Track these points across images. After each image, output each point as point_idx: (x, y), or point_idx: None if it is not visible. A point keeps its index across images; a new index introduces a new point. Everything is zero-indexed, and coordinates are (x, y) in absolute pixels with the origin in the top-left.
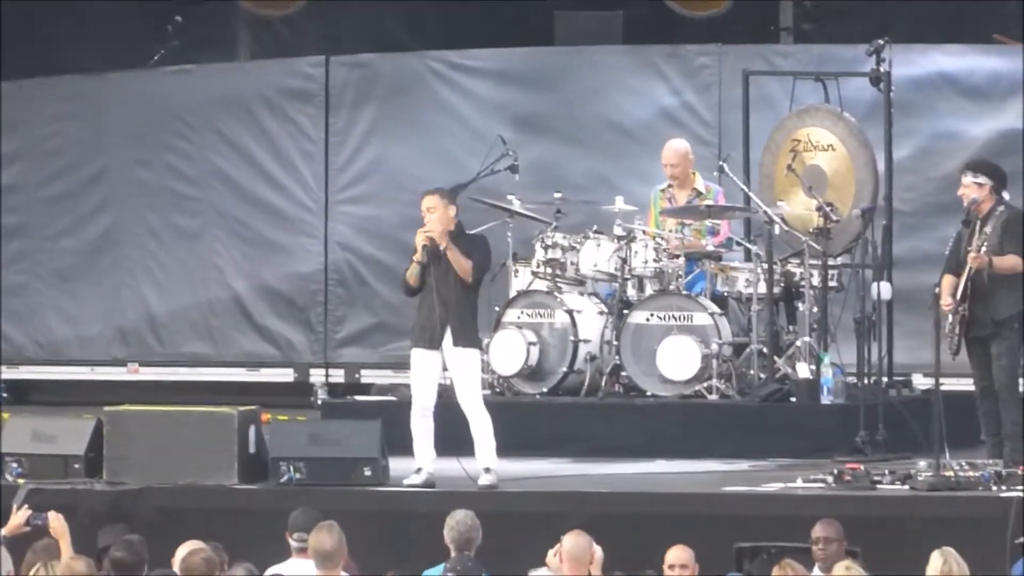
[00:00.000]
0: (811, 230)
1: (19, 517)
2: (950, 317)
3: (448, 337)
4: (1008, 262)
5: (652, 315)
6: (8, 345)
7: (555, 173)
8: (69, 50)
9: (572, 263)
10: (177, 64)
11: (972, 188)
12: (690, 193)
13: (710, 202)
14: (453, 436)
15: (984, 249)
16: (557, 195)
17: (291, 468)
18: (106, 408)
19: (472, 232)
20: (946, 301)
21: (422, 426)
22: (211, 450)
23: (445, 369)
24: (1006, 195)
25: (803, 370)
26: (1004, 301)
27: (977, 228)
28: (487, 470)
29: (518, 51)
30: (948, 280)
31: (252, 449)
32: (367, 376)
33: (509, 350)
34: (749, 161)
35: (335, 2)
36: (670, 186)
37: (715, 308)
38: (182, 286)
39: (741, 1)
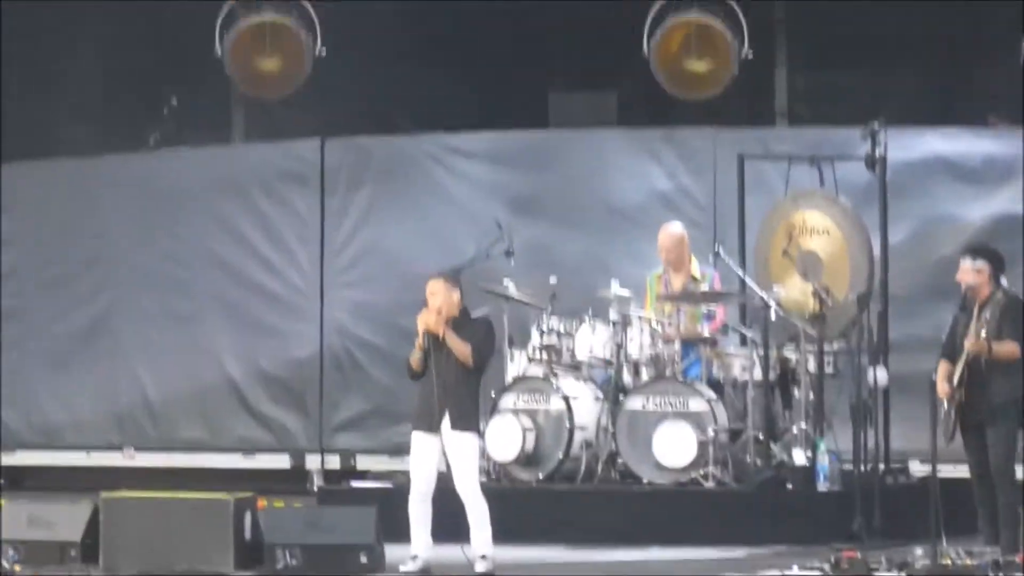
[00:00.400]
0: (807, 315)
1: None
2: (946, 403)
3: (446, 421)
4: (1006, 348)
5: (648, 401)
6: (3, 430)
7: (550, 255)
8: (65, 132)
9: (568, 348)
10: (173, 146)
11: (970, 273)
12: (686, 278)
13: (706, 287)
14: (450, 523)
15: (983, 334)
16: (552, 280)
17: (287, 554)
18: (103, 494)
19: (476, 316)
20: (942, 388)
21: (420, 511)
22: (207, 536)
23: (443, 455)
24: (1004, 280)
25: (799, 456)
26: (1001, 387)
27: (975, 313)
28: (483, 557)
29: (512, 133)
30: (944, 366)
31: (248, 535)
32: (363, 462)
33: (505, 436)
34: (744, 245)
35: (330, 85)
36: (666, 271)
37: (711, 394)
38: (177, 370)
39: (735, 84)
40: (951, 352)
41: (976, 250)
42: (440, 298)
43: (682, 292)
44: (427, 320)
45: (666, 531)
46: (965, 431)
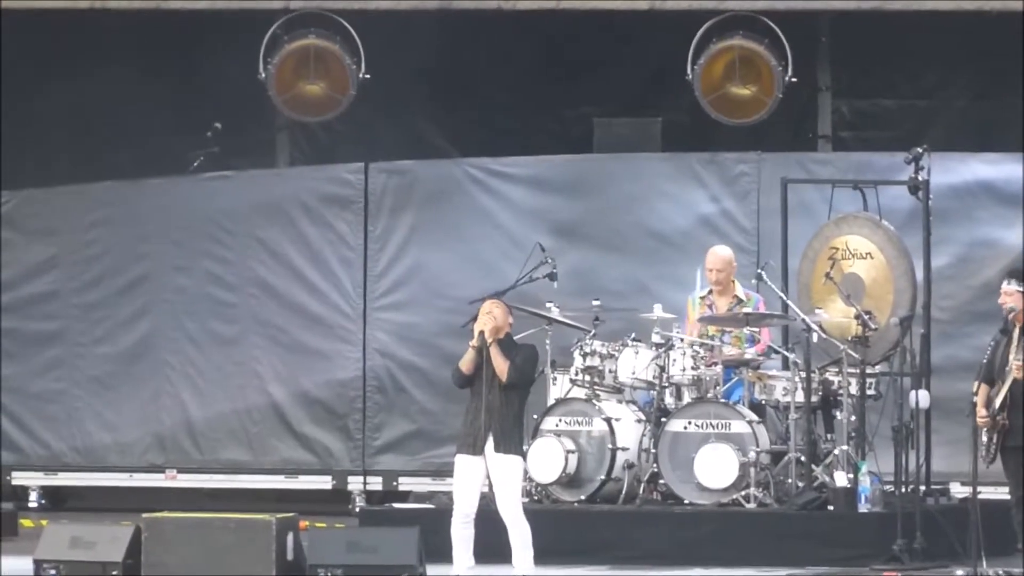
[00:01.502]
0: (849, 338)
1: None
2: (985, 428)
3: (490, 443)
4: None
5: (690, 423)
6: (47, 452)
7: (593, 280)
8: (109, 156)
9: (610, 371)
10: (216, 170)
11: (1014, 296)
12: (731, 300)
13: (750, 310)
14: (493, 543)
15: None
16: (595, 303)
17: None
18: (144, 515)
19: (523, 343)
20: (981, 414)
21: (462, 533)
22: (249, 557)
23: (487, 477)
24: None
25: (840, 478)
26: None
27: (1016, 337)
28: None
29: (556, 158)
30: (984, 389)
31: (290, 556)
32: (405, 483)
33: (547, 458)
34: (787, 269)
35: (373, 109)
36: (710, 292)
37: (753, 416)
38: (220, 393)
39: (779, 109)
40: (990, 375)
41: (1018, 273)
42: (497, 314)
43: (725, 315)
44: (485, 325)
45: (708, 552)
46: (1004, 454)
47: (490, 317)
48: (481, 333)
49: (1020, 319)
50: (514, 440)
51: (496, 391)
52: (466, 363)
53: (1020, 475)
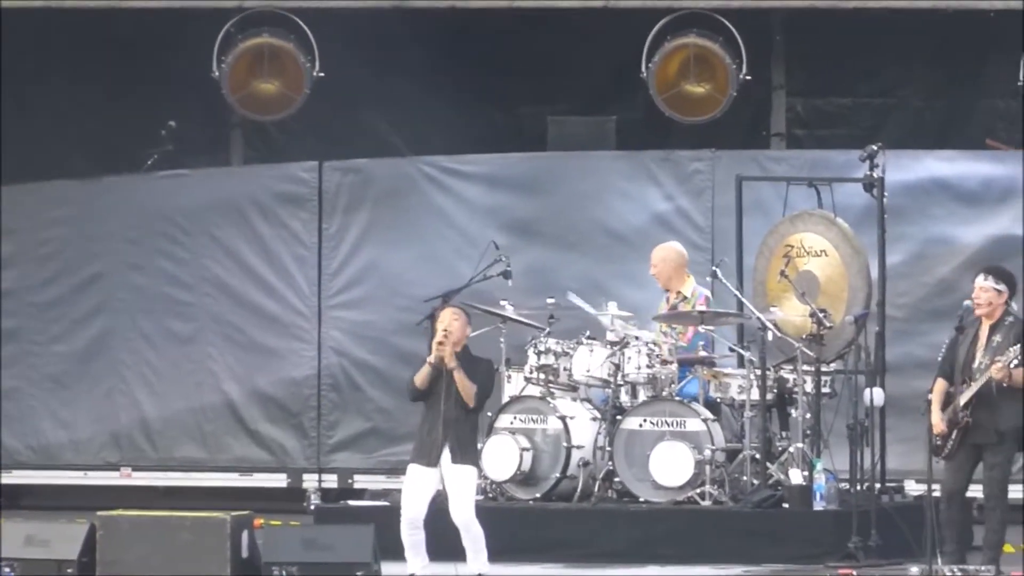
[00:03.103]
0: (804, 336)
1: None
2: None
3: (446, 454)
4: (1022, 376)
5: (645, 421)
6: (2, 450)
7: (548, 278)
8: (64, 155)
9: (565, 369)
10: (171, 169)
11: (992, 293)
12: (676, 296)
13: (698, 305)
14: (449, 542)
15: (1015, 363)
16: (550, 301)
17: (284, 573)
18: (99, 513)
19: (476, 355)
20: (936, 412)
21: (412, 538)
22: (204, 555)
23: (441, 484)
24: (1014, 305)
25: (796, 476)
26: (1009, 413)
27: (984, 336)
28: None
29: (511, 156)
30: (940, 385)
31: (245, 554)
32: (360, 481)
33: (502, 456)
34: (742, 266)
35: (328, 107)
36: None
37: (708, 414)
38: (175, 391)
39: (733, 107)
40: (949, 372)
41: (996, 271)
42: (454, 329)
43: (678, 312)
44: (444, 352)
45: (663, 550)
46: (961, 449)
47: (447, 337)
48: (440, 349)
49: (991, 317)
50: (471, 451)
51: (453, 404)
52: (422, 378)
53: (965, 472)
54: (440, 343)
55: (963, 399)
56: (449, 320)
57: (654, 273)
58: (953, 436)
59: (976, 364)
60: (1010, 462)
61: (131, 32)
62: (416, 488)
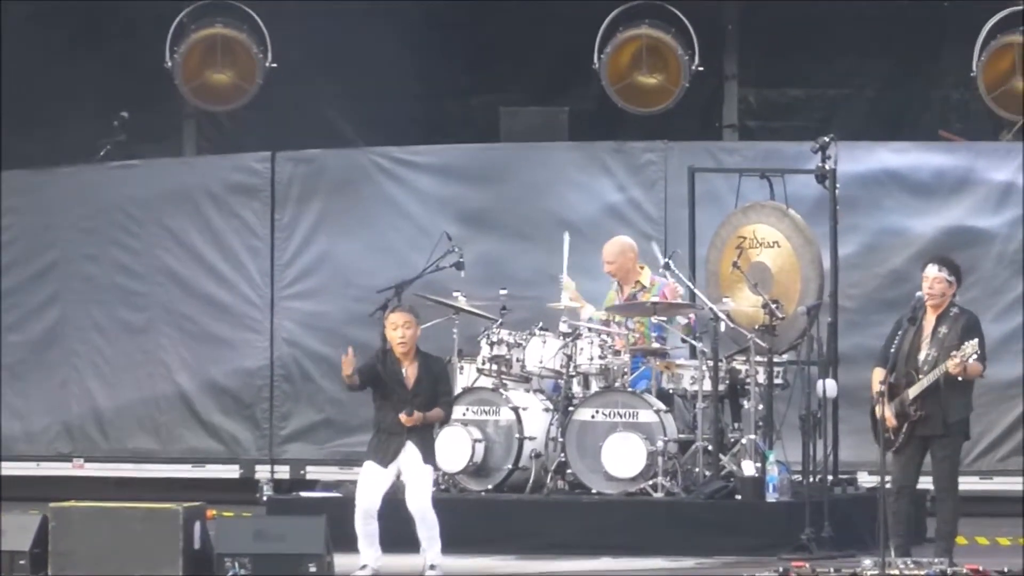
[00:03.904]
0: (757, 327)
1: None
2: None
3: (407, 453)
4: (976, 369)
5: (597, 412)
6: None
7: (501, 269)
8: (16, 144)
9: (518, 360)
10: (124, 159)
11: (944, 284)
12: (634, 287)
13: (655, 296)
14: (401, 533)
15: (972, 357)
16: (503, 292)
17: (236, 564)
18: (51, 504)
19: (427, 351)
20: (890, 419)
21: (366, 528)
22: (156, 546)
23: (396, 478)
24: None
25: (748, 467)
26: (957, 405)
27: (929, 327)
28: (432, 567)
29: (464, 147)
30: (879, 373)
31: (197, 545)
32: (312, 472)
33: (454, 447)
34: (695, 257)
35: (280, 98)
36: (620, 282)
37: (660, 405)
38: (128, 381)
39: (686, 98)
40: (890, 361)
41: (946, 261)
42: (408, 337)
43: (632, 304)
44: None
45: (616, 541)
46: (911, 442)
47: (397, 334)
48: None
49: (937, 308)
50: (431, 450)
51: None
52: (350, 383)
53: (916, 464)
54: (408, 419)
55: (912, 393)
56: (402, 329)
57: (611, 270)
58: (904, 429)
59: (923, 356)
60: (958, 453)
61: (84, 21)
62: (371, 481)
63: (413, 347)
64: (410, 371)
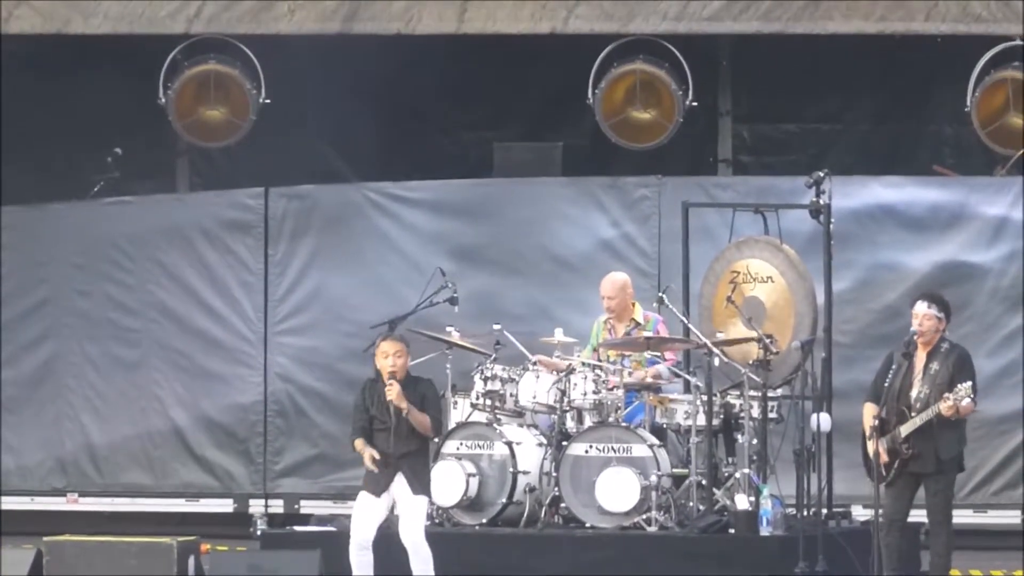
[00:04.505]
0: (751, 362)
1: None
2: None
3: (403, 485)
4: (970, 408)
5: (591, 447)
6: None
7: (494, 304)
8: (9, 181)
9: (511, 395)
10: (117, 195)
11: (933, 320)
12: (629, 324)
13: (649, 333)
14: (395, 566)
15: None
16: (496, 327)
17: None
18: (46, 538)
19: (418, 376)
20: (883, 455)
21: (361, 559)
22: None
23: (390, 511)
24: (947, 332)
25: (742, 501)
26: (949, 441)
27: (920, 363)
28: None
29: (456, 182)
30: (872, 410)
31: None
32: (306, 507)
33: (448, 481)
34: (688, 292)
35: (273, 134)
36: (610, 318)
37: (654, 440)
38: (121, 416)
39: (680, 133)
40: (879, 397)
41: (935, 298)
42: (399, 366)
43: (626, 339)
44: (393, 396)
45: (609, 575)
46: (901, 478)
47: (387, 363)
48: (391, 392)
49: (927, 344)
50: (425, 481)
51: (405, 438)
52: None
53: (905, 500)
54: (390, 385)
55: (903, 431)
56: (393, 358)
57: (611, 306)
58: (895, 465)
59: (915, 393)
60: (952, 487)
61: (78, 58)
62: (365, 513)
63: (403, 375)
64: (413, 417)
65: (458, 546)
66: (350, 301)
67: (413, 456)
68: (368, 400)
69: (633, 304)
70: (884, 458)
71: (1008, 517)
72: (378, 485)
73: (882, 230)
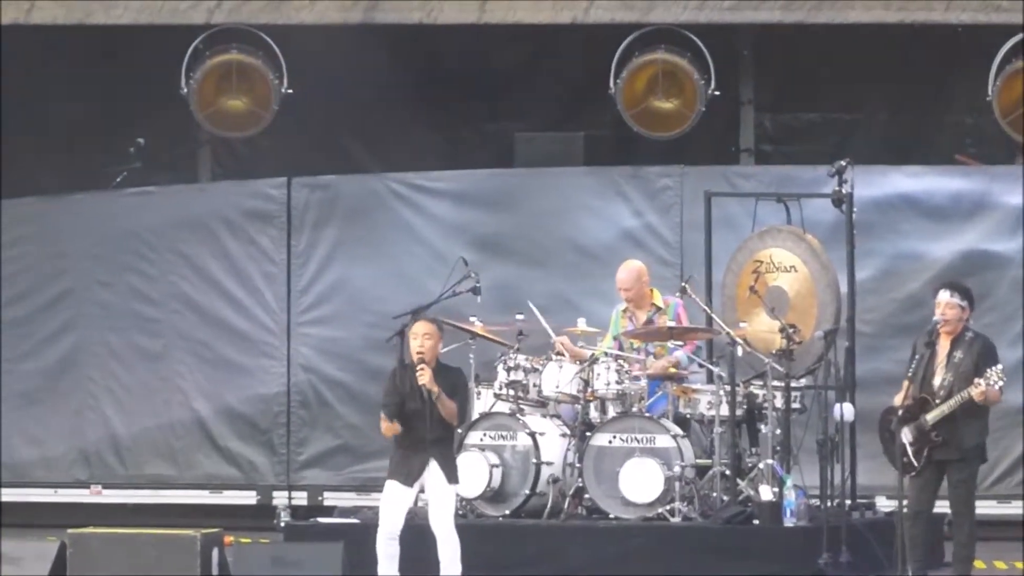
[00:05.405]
0: (773, 352)
1: None
2: (907, 441)
3: (437, 473)
4: (998, 396)
5: (615, 437)
6: None
7: (517, 294)
8: (32, 172)
9: (534, 385)
10: (139, 186)
11: (958, 309)
12: (649, 310)
13: (669, 319)
14: (419, 557)
15: (1000, 384)
16: (519, 317)
17: None
18: (69, 531)
19: (446, 363)
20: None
21: (388, 549)
22: (174, 572)
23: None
24: (971, 321)
25: (766, 492)
26: (973, 430)
27: (943, 352)
28: None
29: (479, 172)
30: (908, 386)
31: (215, 572)
32: (330, 498)
33: (472, 472)
34: (711, 282)
35: (296, 124)
36: (628, 308)
37: (677, 430)
38: (144, 408)
39: (702, 123)
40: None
41: (959, 287)
42: (428, 348)
43: (648, 329)
44: (425, 379)
45: (633, 567)
46: (929, 466)
47: (418, 343)
48: (422, 374)
49: (951, 333)
50: (455, 469)
51: (436, 425)
52: (388, 430)
53: (930, 491)
54: (421, 370)
55: (931, 419)
56: (422, 339)
57: (629, 296)
58: (924, 453)
59: (938, 381)
60: (975, 477)
61: (100, 48)
62: (394, 502)
63: (433, 359)
64: (441, 402)
65: (481, 537)
66: (373, 291)
67: (444, 443)
68: (400, 384)
69: (651, 290)
70: (909, 448)
71: None
72: (410, 473)
73: (904, 219)
